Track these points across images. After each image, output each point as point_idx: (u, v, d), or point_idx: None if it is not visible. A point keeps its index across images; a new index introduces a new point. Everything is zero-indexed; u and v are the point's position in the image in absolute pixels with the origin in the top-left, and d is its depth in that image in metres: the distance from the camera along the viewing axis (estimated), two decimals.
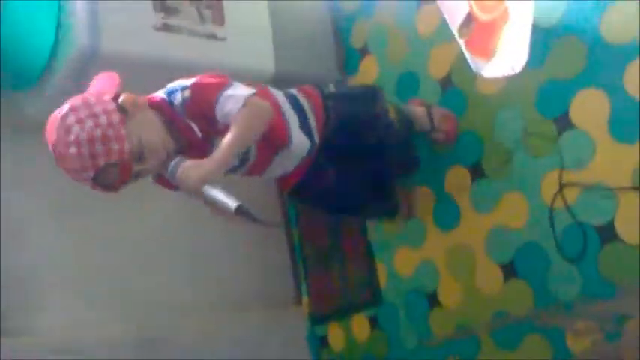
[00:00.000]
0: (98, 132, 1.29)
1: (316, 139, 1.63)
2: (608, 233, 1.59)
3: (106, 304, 2.07)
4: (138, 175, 1.38)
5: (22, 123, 1.92)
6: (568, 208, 1.66)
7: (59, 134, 1.31)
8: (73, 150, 1.28)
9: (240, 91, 1.42)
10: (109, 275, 2.08)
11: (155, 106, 1.43)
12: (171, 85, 1.46)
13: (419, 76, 2.02)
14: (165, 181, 1.44)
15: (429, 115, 1.90)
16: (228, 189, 1.34)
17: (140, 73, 1.90)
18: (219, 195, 1.31)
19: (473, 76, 1.85)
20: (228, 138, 1.36)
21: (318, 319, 2.40)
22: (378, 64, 2.17)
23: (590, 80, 1.62)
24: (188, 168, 1.34)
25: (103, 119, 1.30)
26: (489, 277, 1.84)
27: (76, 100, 1.34)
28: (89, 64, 1.81)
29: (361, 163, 1.74)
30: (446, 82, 1.95)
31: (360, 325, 2.25)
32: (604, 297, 1.60)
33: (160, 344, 2.12)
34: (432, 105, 1.94)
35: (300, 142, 1.59)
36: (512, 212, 1.78)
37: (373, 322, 2.20)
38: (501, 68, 1.61)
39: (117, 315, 2.09)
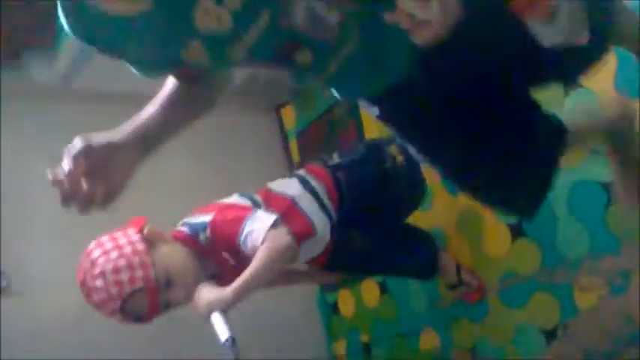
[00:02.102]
0: (122, 261, 1.34)
1: (333, 216, 1.64)
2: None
3: None
4: (168, 305, 1.41)
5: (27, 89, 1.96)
6: (575, 166, 1.67)
7: (86, 268, 1.35)
8: (99, 282, 1.33)
9: (259, 223, 1.42)
10: None
11: (181, 240, 1.47)
12: (189, 221, 1.49)
13: None
14: None
15: (457, 268, 1.88)
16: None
17: None
18: (218, 321, 1.33)
19: None
20: (246, 274, 1.38)
21: (328, 286, 2.43)
22: None
23: None
24: (202, 292, 1.38)
25: (128, 249, 1.36)
26: (498, 238, 1.86)
27: (102, 236, 1.39)
28: None
29: (381, 217, 1.76)
30: None
31: (369, 290, 2.27)
32: (611, 253, 1.62)
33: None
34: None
35: (323, 227, 1.59)
36: None
37: (382, 287, 2.23)
38: None
39: None
